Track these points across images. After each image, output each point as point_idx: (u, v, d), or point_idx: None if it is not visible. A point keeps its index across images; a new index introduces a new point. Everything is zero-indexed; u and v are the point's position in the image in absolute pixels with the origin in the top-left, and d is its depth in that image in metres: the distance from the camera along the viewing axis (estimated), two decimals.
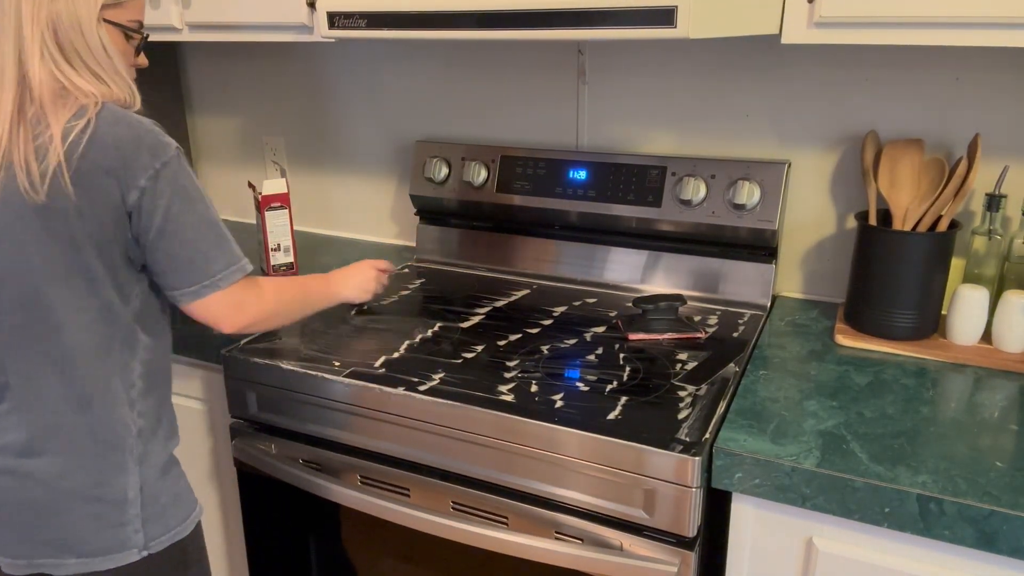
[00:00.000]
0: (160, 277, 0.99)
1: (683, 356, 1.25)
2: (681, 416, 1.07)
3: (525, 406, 1.10)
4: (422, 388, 1.15)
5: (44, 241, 0.93)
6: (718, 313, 1.44)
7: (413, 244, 1.88)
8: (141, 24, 1.05)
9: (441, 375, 1.19)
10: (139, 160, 0.93)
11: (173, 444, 1.09)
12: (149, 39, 1.08)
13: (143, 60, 1.09)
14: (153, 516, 1.02)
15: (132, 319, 1.00)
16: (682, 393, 1.13)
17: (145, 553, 1.01)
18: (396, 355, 1.26)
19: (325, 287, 1.25)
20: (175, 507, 1.05)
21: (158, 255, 0.97)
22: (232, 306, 1.02)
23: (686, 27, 1.04)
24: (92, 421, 0.98)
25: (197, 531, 1.09)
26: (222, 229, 1.01)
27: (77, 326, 0.96)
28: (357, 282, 1.32)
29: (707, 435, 1.02)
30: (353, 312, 1.44)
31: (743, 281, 1.47)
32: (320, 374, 1.20)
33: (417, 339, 1.32)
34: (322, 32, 1.30)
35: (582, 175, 1.54)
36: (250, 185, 1.67)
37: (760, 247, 1.44)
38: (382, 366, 1.22)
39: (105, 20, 0.97)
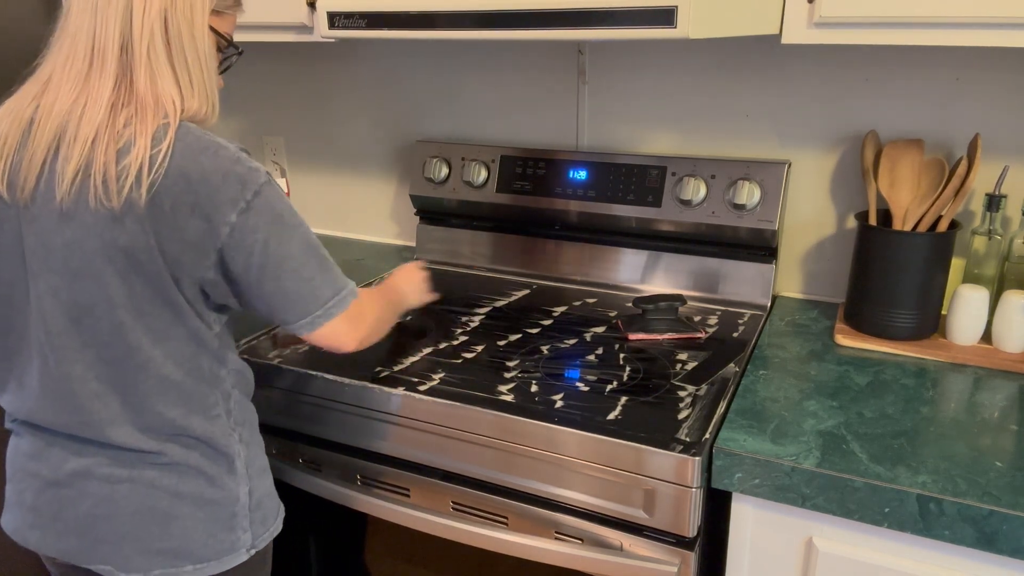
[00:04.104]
0: (269, 313, 0.94)
1: (683, 356, 1.25)
2: (681, 416, 1.07)
3: (525, 406, 1.10)
4: (422, 388, 1.15)
5: (130, 277, 0.88)
6: (718, 313, 1.44)
7: (413, 244, 1.89)
8: (232, 40, 0.99)
9: (441, 375, 1.19)
10: (226, 194, 0.87)
11: (262, 445, 1.08)
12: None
13: (221, 81, 1.01)
14: (258, 516, 1.02)
15: (217, 339, 0.97)
16: (682, 393, 1.13)
17: (253, 552, 1.01)
18: (396, 355, 1.26)
19: (397, 294, 1.19)
20: (271, 505, 1.05)
21: (264, 291, 0.91)
22: (348, 328, 0.98)
23: (686, 27, 1.04)
24: (201, 432, 0.96)
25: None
26: (323, 251, 0.95)
27: (165, 355, 0.92)
28: (415, 286, 1.27)
29: (707, 435, 1.02)
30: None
31: (743, 281, 1.47)
32: (320, 374, 1.20)
33: (417, 339, 1.32)
34: (322, 32, 1.30)
35: (582, 175, 1.54)
36: None
37: (760, 247, 1.44)
38: (382, 366, 1.22)
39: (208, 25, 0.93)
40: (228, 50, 0.99)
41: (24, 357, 0.96)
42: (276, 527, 1.06)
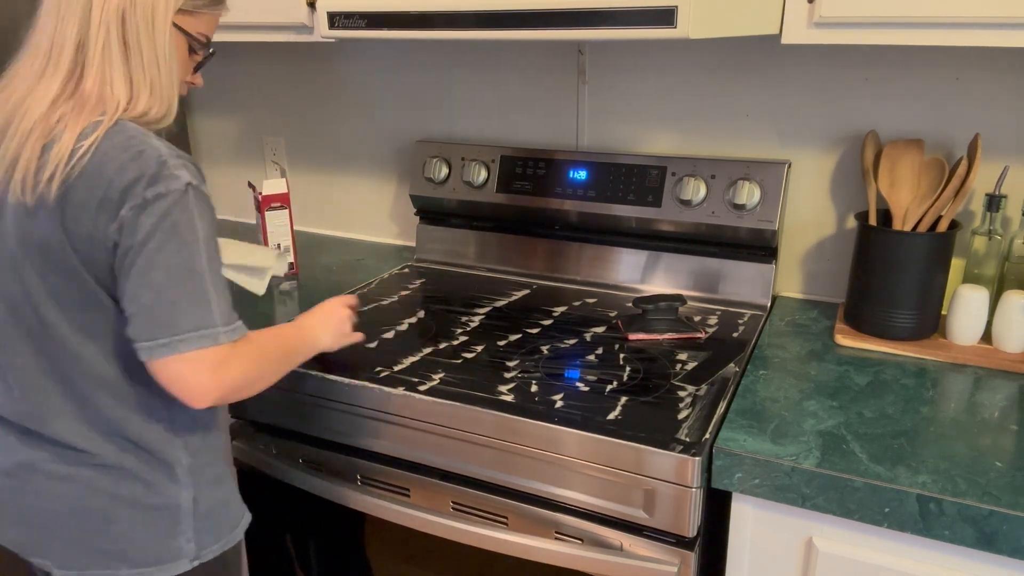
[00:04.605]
0: (127, 322, 0.86)
1: (683, 356, 1.25)
2: (681, 416, 1.07)
3: (525, 406, 1.10)
4: (422, 388, 1.15)
5: (45, 273, 0.88)
6: (718, 313, 1.44)
7: (413, 244, 1.89)
8: (209, 41, 0.98)
9: (441, 375, 1.19)
10: (132, 192, 0.84)
11: (221, 454, 1.04)
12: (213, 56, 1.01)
13: (199, 80, 1.02)
14: (206, 526, 0.99)
15: None
16: (682, 393, 1.13)
17: (196, 563, 0.98)
18: (396, 355, 1.26)
19: (301, 338, 1.08)
20: (226, 516, 1.02)
21: (125, 295, 0.85)
22: (200, 374, 0.86)
23: (686, 27, 1.04)
24: (138, 435, 0.95)
25: (240, 540, 1.06)
26: (206, 284, 0.85)
27: (96, 352, 0.91)
28: (333, 327, 1.16)
29: (707, 435, 1.02)
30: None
31: (743, 281, 1.47)
32: (320, 374, 1.20)
33: (417, 339, 1.32)
34: (322, 32, 1.30)
35: (582, 175, 1.54)
36: (250, 185, 1.67)
37: (760, 247, 1.44)
38: (382, 366, 1.22)
39: (174, 24, 0.92)
40: (200, 52, 0.98)
41: None
42: (231, 539, 1.02)
